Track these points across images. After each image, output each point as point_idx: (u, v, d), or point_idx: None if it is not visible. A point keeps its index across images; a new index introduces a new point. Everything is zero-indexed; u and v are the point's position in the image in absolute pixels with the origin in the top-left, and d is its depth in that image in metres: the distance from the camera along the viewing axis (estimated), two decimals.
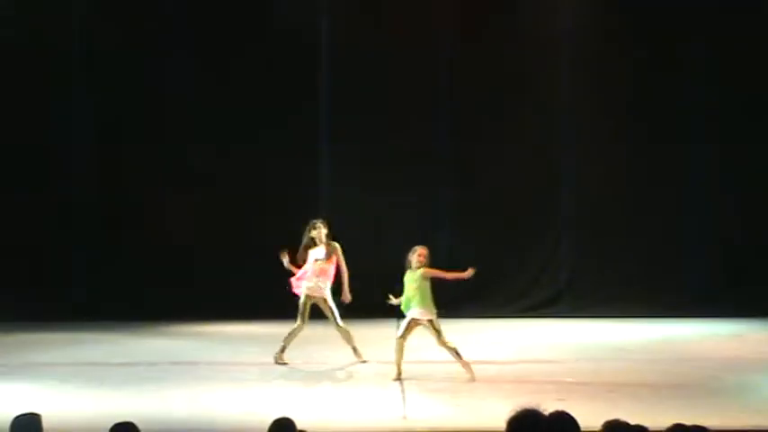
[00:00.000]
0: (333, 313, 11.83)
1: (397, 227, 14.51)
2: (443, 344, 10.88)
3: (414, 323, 10.92)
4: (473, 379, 10.79)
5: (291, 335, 11.87)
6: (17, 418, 6.30)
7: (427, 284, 10.93)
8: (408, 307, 10.96)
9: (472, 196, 15.59)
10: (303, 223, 12.04)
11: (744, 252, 15.19)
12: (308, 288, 11.86)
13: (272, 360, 11.82)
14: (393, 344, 11.01)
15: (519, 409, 5.32)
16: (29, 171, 15.34)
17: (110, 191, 15.44)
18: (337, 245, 11.98)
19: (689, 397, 10.04)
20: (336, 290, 11.95)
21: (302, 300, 11.89)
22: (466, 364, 10.89)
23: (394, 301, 11.08)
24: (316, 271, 11.85)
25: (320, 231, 11.89)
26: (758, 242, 15.12)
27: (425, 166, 15.55)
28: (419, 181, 15.52)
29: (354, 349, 11.91)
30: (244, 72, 15.39)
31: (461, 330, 13.78)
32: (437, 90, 15.51)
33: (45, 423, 6.34)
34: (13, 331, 13.95)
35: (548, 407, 5.39)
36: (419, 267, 10.93)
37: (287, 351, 11.87)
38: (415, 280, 10.90)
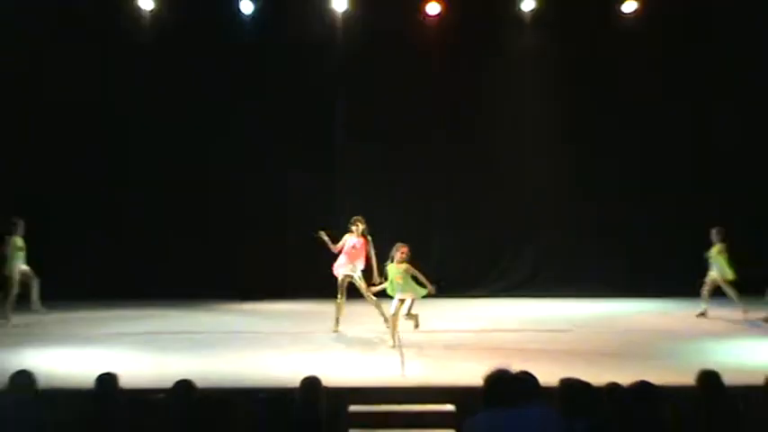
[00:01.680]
0: (363, 287, 11.85)
1: (398, 225, 14.39)
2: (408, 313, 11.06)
3: (401, 302, 10.97)
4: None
5: (339, 309, 11.96)
6: (100, 376, 6.36)
7: (408, 275, 10.95)
8: (395, 291, 10.98)
9: (461, 201, 15.53)
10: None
11: (670, 241, 15.03)
12: (346, 269, 11.91)
13: (331, 332, 11.89)
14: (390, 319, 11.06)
15: (493, 369, 5.35)
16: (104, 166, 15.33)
17: (178, 194, 15.36)
18: (369, 237, 12.01)
19: (629, 360, 10.01)
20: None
21: (341, 279, 11.94)
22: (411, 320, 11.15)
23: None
24: (351, 256, 11.90)
25: (358, 226, 11.97)
26: (682, 234, 14.80)
27: (422, 177, 15.51)
28: (417, 189, 15.48)
29: (383, 315, 11.78)
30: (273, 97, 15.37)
31: (449, 307, 13.87)
32: (432, 118, 15.43)
33: (121, 381, 6.40)
34: (94, 308, 13.90)
35: (515, 367, 5.42)
36: (402, 262, 10.90)
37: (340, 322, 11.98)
38: (399, 272, 10.90)
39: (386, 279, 11.12)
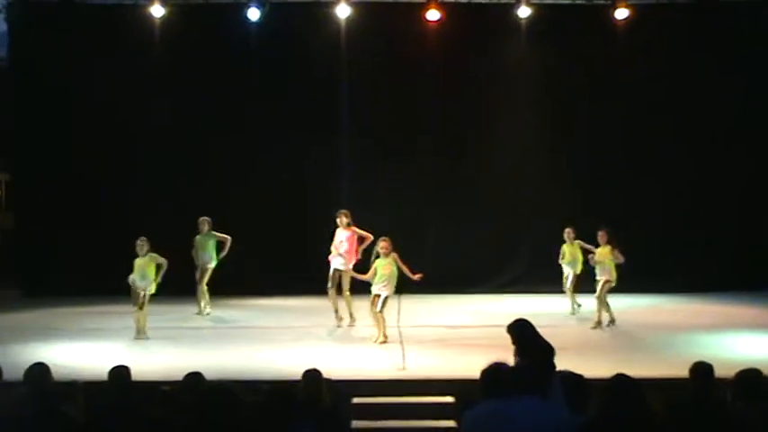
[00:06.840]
0: (345, 285, 11.72)
1: (399, 227, 14.15)
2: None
3: (377, 297, 10.83)
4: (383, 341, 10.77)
5: (333, 300, 11.87)
6: (112, 369, 6.31)
7: (395, 265, 10.82)
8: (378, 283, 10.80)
9: (458, 210, 15.42)
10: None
11: (657, 241, 14.97)
12: (337, 263, 11.78)
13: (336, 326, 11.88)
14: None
15: (489, 363, 5.30)
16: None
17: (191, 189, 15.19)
18: (356, 229, 11.86)
19: (619, 352, 10.03)
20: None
21: (331, 271, 11.80)
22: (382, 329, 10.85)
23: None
24: (339, 249, 11.77)
25: (341, 219, 11.82)
26: (668, 234, 14.84)
27: (421, 180, 15.41)
28: (418, 197, 15.39)
29: (351, 315, 11.86)
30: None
31: (447, 303, 13.85)
32: (432, 119, 15.31)
33: (133, 373, 6.35)
34: (111, 303, 13.55)
35: (510, 361, 5.38)
36: (387, 255, 10.79)
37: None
38: (385, 263, 10.78)
39: (374, 275, 10.90)
